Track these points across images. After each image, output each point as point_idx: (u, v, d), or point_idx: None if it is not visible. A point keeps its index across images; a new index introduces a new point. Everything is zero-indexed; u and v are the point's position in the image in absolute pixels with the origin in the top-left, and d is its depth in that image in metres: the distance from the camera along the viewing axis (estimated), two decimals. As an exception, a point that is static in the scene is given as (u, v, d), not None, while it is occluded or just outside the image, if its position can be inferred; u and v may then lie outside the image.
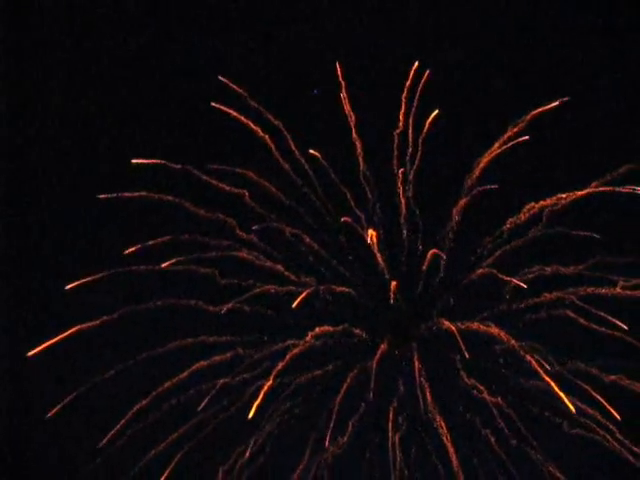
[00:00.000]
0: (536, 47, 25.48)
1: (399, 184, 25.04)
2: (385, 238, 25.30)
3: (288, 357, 24.35)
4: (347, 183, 25.46)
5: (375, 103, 25.50)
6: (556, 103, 24.21)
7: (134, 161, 24.67)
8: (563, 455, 24.30)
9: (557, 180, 24.38)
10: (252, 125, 25.15)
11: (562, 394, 22.77)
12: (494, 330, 24.07)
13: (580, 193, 23.96)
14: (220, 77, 25.13)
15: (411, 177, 25.09)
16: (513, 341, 23.94)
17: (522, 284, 23.96)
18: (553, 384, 22.98)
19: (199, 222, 25.23)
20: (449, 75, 25.12)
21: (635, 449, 23.44)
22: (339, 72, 25.15)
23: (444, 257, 24.34)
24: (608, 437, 23.63)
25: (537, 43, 25.46)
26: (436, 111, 24.70)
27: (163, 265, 24.55)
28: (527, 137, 24.07)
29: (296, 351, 24.72)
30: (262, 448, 24.86)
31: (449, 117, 24.74)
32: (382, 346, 24.98)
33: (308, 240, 25.38)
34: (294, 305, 23.92)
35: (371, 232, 24.67)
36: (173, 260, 24.61)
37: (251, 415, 23.41)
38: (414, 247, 25.43)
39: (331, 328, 24.77)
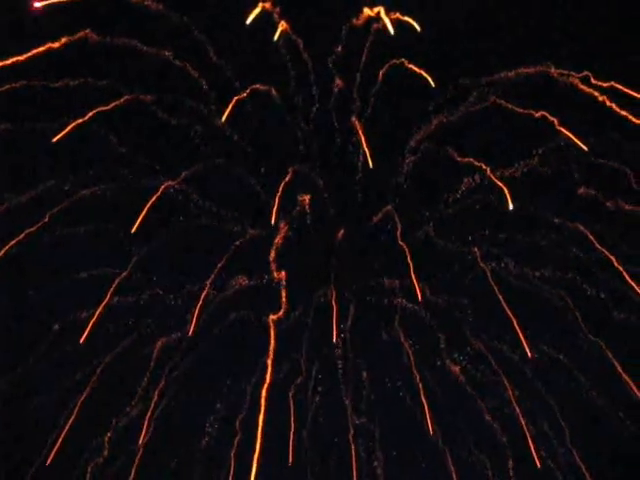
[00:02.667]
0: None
1: (360, 135, 24.29)
2: (336, 185, 24.77)
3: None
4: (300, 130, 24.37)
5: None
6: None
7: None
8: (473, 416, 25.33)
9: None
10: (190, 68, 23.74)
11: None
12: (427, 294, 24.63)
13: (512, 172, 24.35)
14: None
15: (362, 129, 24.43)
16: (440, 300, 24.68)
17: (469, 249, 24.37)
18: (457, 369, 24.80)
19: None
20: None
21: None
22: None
23: (395, 215, 24.04)
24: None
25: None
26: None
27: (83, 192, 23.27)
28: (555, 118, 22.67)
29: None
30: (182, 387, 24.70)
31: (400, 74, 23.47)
32: (321, 293, 24.83)
33: (253, 183, 24.40)
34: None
35: (303, 197, 23.99)
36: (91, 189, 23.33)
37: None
38: (365, 199, 24.92)
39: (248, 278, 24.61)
